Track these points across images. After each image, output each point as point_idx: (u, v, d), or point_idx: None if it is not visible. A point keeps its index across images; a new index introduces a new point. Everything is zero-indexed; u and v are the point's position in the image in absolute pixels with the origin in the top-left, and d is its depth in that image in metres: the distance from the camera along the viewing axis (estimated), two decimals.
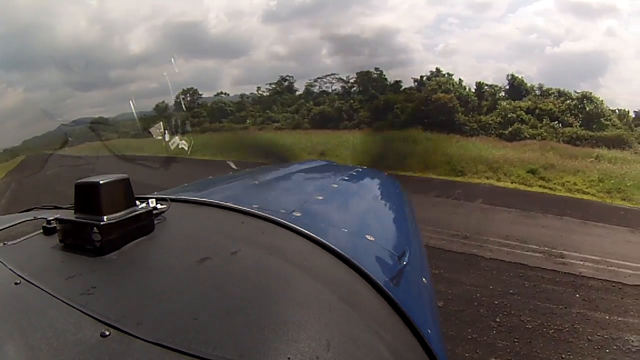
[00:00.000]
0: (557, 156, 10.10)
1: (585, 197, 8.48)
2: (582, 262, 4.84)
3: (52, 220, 0.83)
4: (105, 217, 0.72)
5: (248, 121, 13.46)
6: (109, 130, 13.48)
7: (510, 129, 11.66)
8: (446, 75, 12.85)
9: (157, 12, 15.38)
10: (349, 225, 1.10)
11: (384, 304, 0.74)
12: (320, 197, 1.26)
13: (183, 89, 14.02)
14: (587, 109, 11.71)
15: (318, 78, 13.62)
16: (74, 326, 0.52)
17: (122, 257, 0.71)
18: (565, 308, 3.85)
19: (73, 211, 0.77)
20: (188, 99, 14.25)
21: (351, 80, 13.59)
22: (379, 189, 1.80)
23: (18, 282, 0.63)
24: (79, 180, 0.77)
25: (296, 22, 15.60)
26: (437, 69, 13.01)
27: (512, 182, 9.07)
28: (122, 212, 0.75)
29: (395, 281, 0.86)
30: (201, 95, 14.52)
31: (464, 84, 12.81)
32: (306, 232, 0.85)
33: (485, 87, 13.01)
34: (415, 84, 12.92)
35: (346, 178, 1.70)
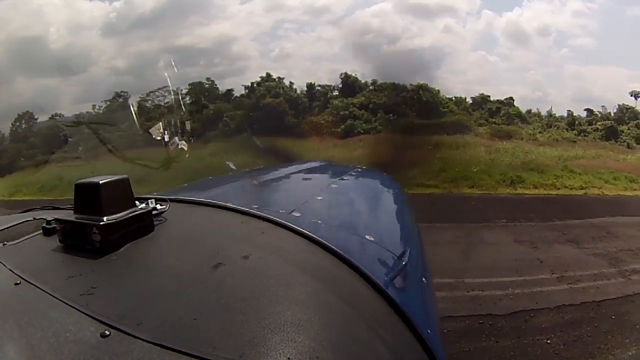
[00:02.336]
0: (393, 148, 10.20)
1: (428, 190, 8.50)
2: None
3: (52, 220, 0.83)
4: (105, 218, 0.72)
5: (80, 148, 12.33)
6: None
7: (343, 126, 11.85)
8: (276, 80, 12.97)
9: None
10: (349, 225, 1.10)
11: (384, 304, 0.73)
12: (320, 197, 1.26)
13: (18, 114, 12.27)
14: (424, 99, 12.00)
15: (150, 92, 12.82)
16: (74, 326, 0.52)
17: (122, 258, 0.71)
18: None
19: (73, 211, 0.77)
20: (23, 126, 12.45)
21: (183, 92, 13.07)
22: (378, 188, 1.80)
23: (18, 282, 0.63)
24: (78, 181, 0.77)
25: (135, 34, 14.97)
26: (267, 74, 13.07)
27: None
28: (122, 213, 0.75)
29: (395, 281, 0.86)
30: (37, 120, 12.58)
31: (294, 86, 13.00)
32: (306, 232, 0.84)
33: (318, 87, 13.22)
34: (247, 91, 12.86)
35: (346, 178, 1.70)
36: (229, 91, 12.96)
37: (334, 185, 1.55)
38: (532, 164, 10.92)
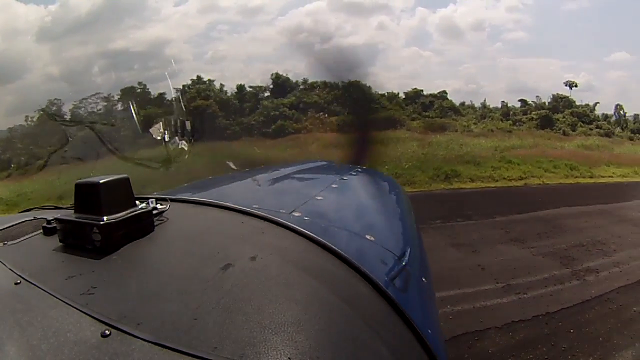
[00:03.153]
0: (321, 147, 10.15)
1: None
2: None
3: (52, 220, 0.83)
4: (105, 217, 0.72)
5: (12, 165, 10.90)
6: None
7: (273, 126, 11.91)
8: (207, 82, 12.96)
9: None
10: (349, 225, 1.10)
11: (384, 304, 0.73)
12: (320, 197, 1.26)
13: None
14: (355, 96, 11.99)
15: (83, 99, 12.56)
16: (74, 326, 0.52)
17: (122, 257, 0.71)
18: None
19: (73, 211, 0.77)
20: None
21: (116, 98, 12.77)
22: (379, 188, 1.80)
23: (18, 282, 0.63)
24: (78, 180, 0.77)
25: (70, 39, 14.64)
26: (197, 76, 13.08)
27: None
28: (122, 212, 0.75)
29: (395, 281, 0.86)
30: None
31: (225, 88, 13.06)
32: (306, 232, 0.84)
33: (249, 88, 13.30)
34: (178, 94, 12.63)
35: (346, 178, 1.70)
36: (161, 95, 12.74)
37: (334, 185, 1.55)
38: (468, 157, 10.75)
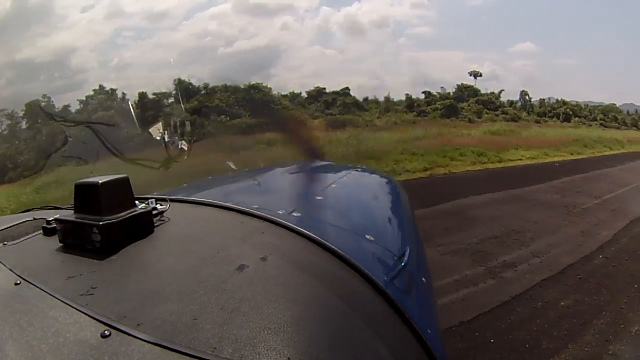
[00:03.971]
0: (222, 152, 10.17)
1: None
2: None
3: (52, 220, 0.83)
4: (104, 218, 0.72)
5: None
6: None
7: None
8: (109, 92, 12.72)
9: None
10: (348, 225, 1.11)
11: (384, 303, 0.74)
12: (320, 197, 1.26)
13: None
14: (256, 97, 12.18)
15: None
16: (74, 326, 0.52)
17: (122, 257, 0.71)
18: None
19: (73, 211, 0.77)
20: None
21: (20, 114, 12.07)
22: (378, 188, 1.80)
23: (18, 282, 0.63)
24: (78, 181, 0.77)
25: None
26: (100, 86, 12.81)
27: None
28: (122, 213, 0.75)
29: (395, 281, 0.86)
30: None
31: (126, 97, 12.92)
32: (306, 232, 0.85)
33: (153, 96, 13.02)
34: (82, 105, 12.46)
35: (346, 178, 1.70)
36: (66, 107, 12.42)
37: (333, 185, 1.55)
38: (369, 152, 10.46)
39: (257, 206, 0.97)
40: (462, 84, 17.39)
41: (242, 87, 12.24)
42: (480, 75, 17.35)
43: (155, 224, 0.84)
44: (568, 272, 4.06)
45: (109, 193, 0.75)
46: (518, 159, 11.81)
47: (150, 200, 0.90)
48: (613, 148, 16.15)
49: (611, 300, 3.48)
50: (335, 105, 14.79)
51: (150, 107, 12.41)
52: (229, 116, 12.05)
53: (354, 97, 15.61)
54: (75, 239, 0.74)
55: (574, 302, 3.47)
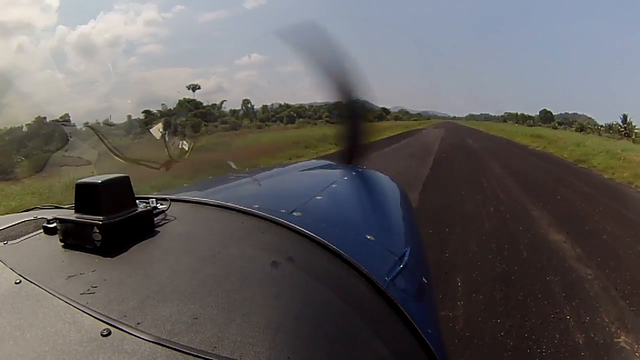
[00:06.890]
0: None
1: None
2: None
3: (52, 220, 0.83)
4: (105, 217, 0.72)
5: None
6: None
7: None
8: None
9: None
10: (349, 224, 1.11)
11: (384, 303, 0.74)
12: (320, 197, 1.26)
13: None
14: None
15: None
16: (74, 325, 0.52)
17: (123, 257, 0.71)
18: None
19: (74, 211, 0.77)
20: None
21: None
22: (379, 188, 1.80)
23: (18, 281, 0.63)
24: (79, 180, 0.77)
25: None
26: None
27: None
28: (123, 212, 0.75)
29: (395, 281, 0.86)
30: None
31: None
32: (306, 232, 0.85)
33: None
34: None
35: (346, 178, 1.70)
36: None
37: (334, 185, 1.55)
38: None
39: (257, 206, 0.97)
40: (184, 98, 17.51)
41: None
42: (199, 88, 17.46)
43: (156, 224, 0.84)
44: None
45: (110, 193, 0.75)
46: None
47: (150, 200, 0.90)
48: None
49: None
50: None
51: None
52: None
53: (74, 126, 14.34)
54: (75, 239, 0.74)
55: None
